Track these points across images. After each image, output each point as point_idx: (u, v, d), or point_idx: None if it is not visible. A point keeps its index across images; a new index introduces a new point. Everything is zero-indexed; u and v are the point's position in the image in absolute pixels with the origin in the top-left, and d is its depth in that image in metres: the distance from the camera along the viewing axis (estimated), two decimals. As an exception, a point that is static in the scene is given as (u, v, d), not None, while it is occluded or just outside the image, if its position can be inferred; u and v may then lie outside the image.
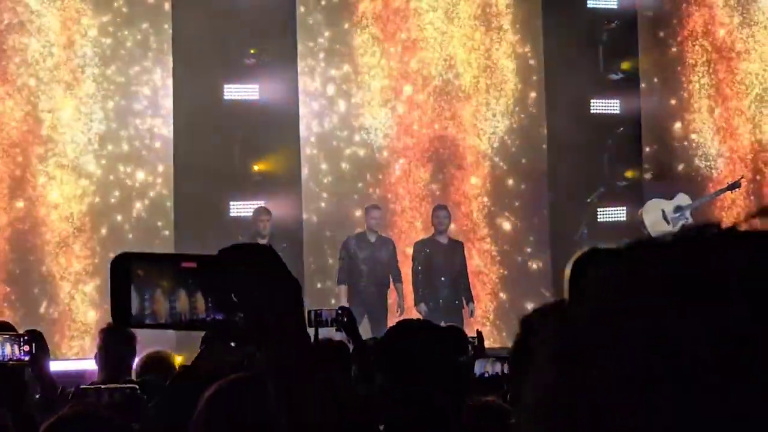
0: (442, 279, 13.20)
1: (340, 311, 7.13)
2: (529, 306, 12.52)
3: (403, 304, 13.10)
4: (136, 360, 6.60)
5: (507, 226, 14.38)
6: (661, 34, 15.12)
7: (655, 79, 15.03)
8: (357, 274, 13.15)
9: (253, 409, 3.60)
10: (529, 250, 14.42)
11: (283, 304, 1.71)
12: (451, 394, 2.94)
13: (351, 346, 6.74)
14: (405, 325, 3.66)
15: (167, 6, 13.38)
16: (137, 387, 5.18)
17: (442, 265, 13.18)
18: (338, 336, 6.99)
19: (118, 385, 5.25)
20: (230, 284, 1.74)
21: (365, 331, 12.80)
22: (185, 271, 1.81)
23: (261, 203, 13.11)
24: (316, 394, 1.68)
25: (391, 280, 13.25)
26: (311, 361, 1.72)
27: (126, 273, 1.83)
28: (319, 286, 13.65)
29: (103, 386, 5.09)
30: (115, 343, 6.33)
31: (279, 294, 1.71)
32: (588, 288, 0.78)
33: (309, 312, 6.97)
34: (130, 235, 13.16)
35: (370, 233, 13.28)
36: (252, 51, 13.39)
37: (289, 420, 1.67)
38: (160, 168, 13.35)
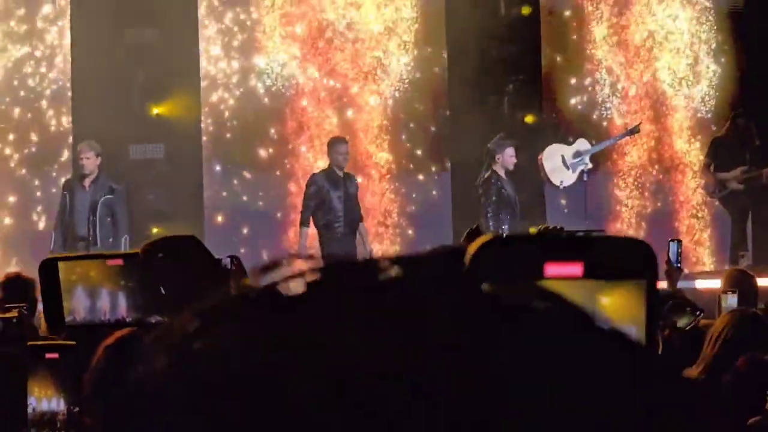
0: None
1: (231, 259, 7.04)
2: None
3: (370, 247, 12.20)
4: None
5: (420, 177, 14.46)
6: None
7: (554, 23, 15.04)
8: (332, 214, 11.80)
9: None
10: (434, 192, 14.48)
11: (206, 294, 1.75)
12: None
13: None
14: None
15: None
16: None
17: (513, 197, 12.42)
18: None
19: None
20: (153, 280, 1.79)
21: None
22: (111, 269, 1.88)
23: (161, 145, 13.06)
24: None
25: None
26: None
27: (54, 276, 1.92)
28: (219, 228, 13.68)
29: None
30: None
31: (203, 285, 1.72)
32: None
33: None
34: (23, 171, 13.37)
35: (337, 170, 12.06)
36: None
37: None
38: (62, 110, 13.35)
